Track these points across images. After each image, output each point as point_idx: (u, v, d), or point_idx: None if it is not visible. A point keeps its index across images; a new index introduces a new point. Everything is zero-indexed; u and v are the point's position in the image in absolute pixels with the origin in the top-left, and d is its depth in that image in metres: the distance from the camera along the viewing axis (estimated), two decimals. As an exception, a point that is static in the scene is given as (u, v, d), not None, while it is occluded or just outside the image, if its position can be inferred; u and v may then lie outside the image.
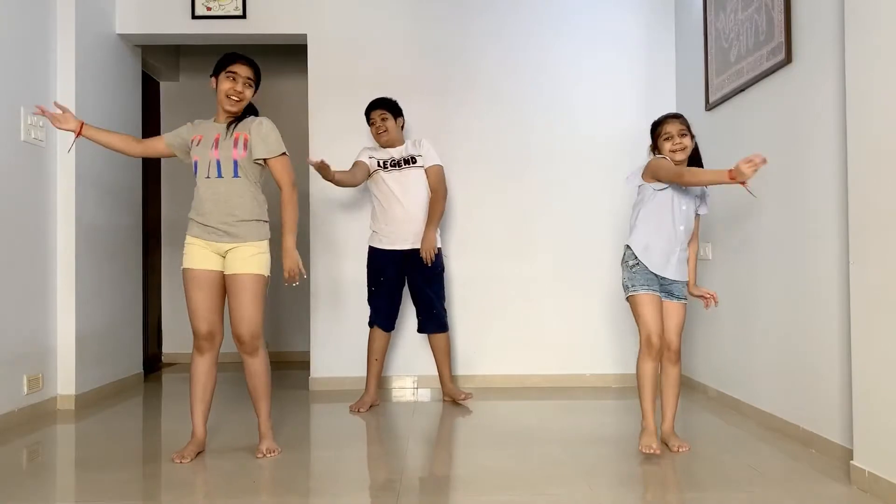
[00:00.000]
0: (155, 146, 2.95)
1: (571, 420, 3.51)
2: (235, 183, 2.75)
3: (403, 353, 4.31)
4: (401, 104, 3.89)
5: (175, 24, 4.36)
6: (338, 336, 4.27)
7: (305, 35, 4.38)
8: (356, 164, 3.77)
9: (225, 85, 2.78)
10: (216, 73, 2.82)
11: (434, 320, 3.81)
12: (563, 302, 4.35)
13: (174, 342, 5.54)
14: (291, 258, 2.79)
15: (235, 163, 2.75)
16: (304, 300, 4.61)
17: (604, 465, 2.71)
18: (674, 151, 2.83)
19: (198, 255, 2.77)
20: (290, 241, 2.80)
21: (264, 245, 2.80)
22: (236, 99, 2.79)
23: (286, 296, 5.57)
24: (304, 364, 4.48)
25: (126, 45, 4.52)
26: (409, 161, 3.79)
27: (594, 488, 2.40)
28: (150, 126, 5.29)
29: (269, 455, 2.80)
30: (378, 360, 3.82)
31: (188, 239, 2.80)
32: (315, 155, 3.87)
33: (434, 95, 4.37)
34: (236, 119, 2.82)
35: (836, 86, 2.67)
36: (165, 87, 5.69)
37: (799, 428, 2.96)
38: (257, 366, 2.82)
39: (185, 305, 2.79)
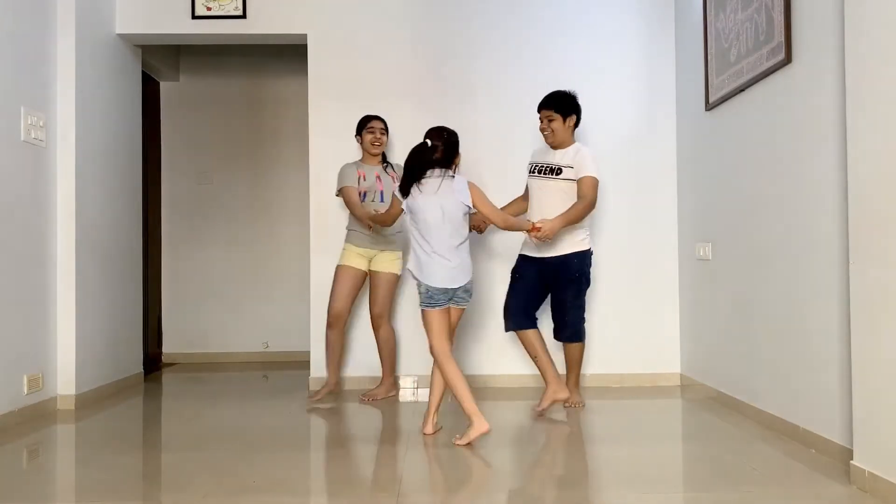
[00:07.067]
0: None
1: (570, 420, 3.51)
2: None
3: (403, 352, 4.30)
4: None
5: (175, 24, 4.36)
6: (338, 336, 4.26)
7: (305, 35, 4.38)
8: None
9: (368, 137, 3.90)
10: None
11: None
12: (563, 302, 4.35)
13: (174, 342, 5.50)
14: None
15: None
16: (304, 300, 4.61)
17: (603, 465, 2.71)
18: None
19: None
20: None
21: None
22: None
23: (286, 296, 5.57)
24: (304, 364, 4.48)
25: (126, 45, 4.52)
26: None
27: (594, 488, 2.40)
28: (151, 126, 5.30)
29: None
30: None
31: None
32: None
33: (434, 96, 4.37)
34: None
35: (836, 86, 2.67)
36: (165, 87, 5.68)
37: (799, 428, 2.96)
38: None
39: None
